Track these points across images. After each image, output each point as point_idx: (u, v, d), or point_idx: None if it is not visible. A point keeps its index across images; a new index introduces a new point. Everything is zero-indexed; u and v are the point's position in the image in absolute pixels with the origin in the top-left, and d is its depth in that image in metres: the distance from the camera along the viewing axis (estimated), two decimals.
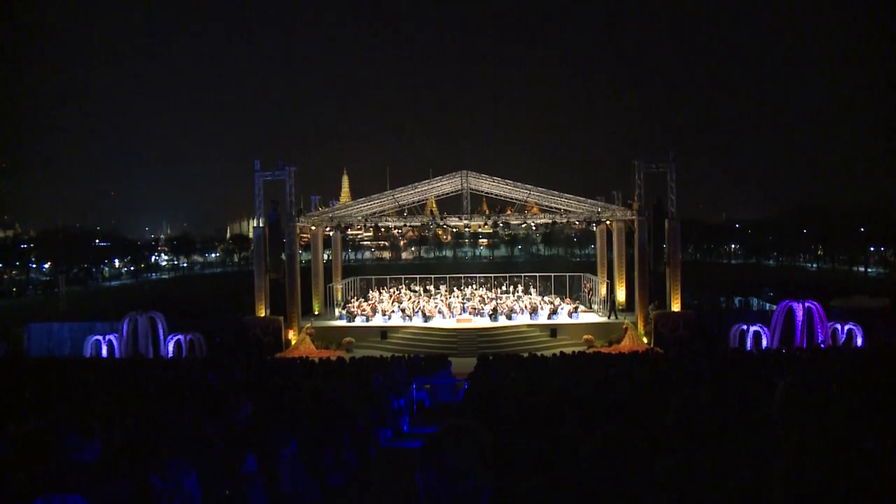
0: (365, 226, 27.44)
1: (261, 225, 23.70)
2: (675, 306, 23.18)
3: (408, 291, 29.15)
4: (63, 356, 20.68)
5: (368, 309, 25.68)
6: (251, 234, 42.60)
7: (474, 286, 29.80)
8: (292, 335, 23.29)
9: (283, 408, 5.96)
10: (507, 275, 31.68)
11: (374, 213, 26.86)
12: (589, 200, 25.90)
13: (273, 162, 24.09)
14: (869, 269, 71.42)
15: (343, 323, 24.97)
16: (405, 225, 28.18)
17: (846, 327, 19.86)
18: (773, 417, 2.49)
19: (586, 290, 28.34)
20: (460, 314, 25.42)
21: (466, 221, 27.03)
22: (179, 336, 21.28)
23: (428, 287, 29.87)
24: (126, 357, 19.63)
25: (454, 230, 37.11)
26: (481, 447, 1.53)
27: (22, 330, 23.69)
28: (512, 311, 24.91)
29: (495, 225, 28.07)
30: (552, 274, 30.57)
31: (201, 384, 9.42)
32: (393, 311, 25.82)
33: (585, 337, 22.93)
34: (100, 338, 21.30)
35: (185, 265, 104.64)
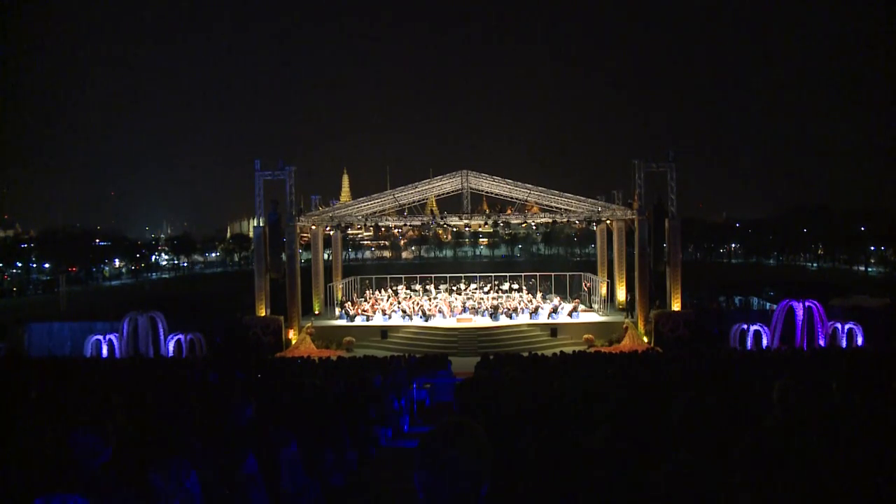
0: (365, 225, 27.44)
1: (261, 224, 23.70)
2: (676, 306, 23.18)
3: (407, 292, 29.13)
4: (63, 356, 20.69)
5: (369, 308, 25.69)
6: (251, 234, 42.59)
7: (474, 286, 29.81)
8: (292, 335, 23.30)
9: (284, 408, 5.97)
10: (508, 274, 31.67)
11: (375, 212, 26.84)
12: (589, 200, 25.89)
13: (273, 162, 24.11)
14: (869, 269, 71.42)
15: (343, 322, 24.97)
16: (405, 224, 28.16)
17: (846, 327, 19.87)
18: (772, 417, 2.50)
19: (585, 289, 28.36)
20: (461, 313, 25.43)
21: (466, 221, 27.02)
22: (180, 336, 21.30)
23: (428, 287, 29.88)
24: (126, 357, 19.65)
25: (454, 230, 37.11)
26: (477, 444, 1.54)
27: (22, 329, 23.71)
28: (513, 310, 24.91)
29: (495, 224, 28.04)
30: (552, 273, 30.57)
31: (202, 384, 9.43)
32: (393, 311, 25.83)
33: (586, 336, 22.93)
34: (100, 337, 21.32)
35: (185, 265, 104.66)
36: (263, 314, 23.28)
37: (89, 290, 70.49)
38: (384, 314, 25.43)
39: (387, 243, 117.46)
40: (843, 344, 19.25)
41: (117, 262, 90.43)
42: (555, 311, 25.07)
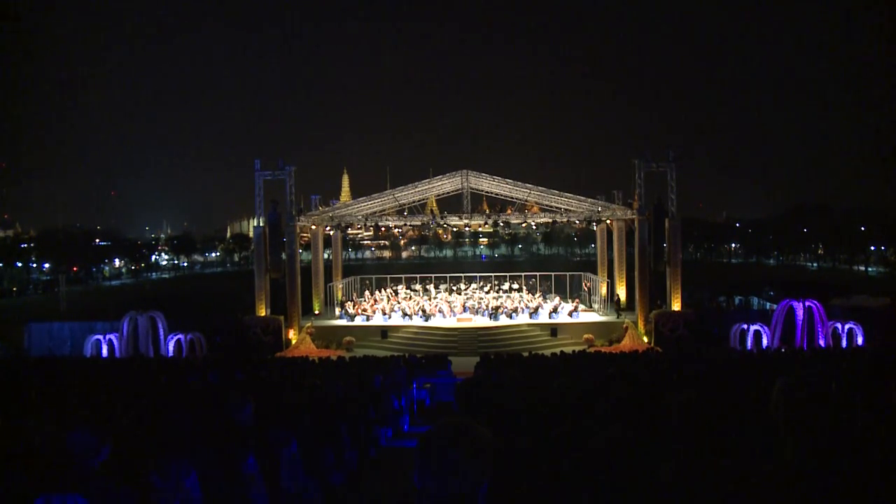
0: (365, 225, 27.44)
1: (261, 224, 23.70)
2: (676, 305, 23.18)
3: (407, 292, 29.13)
4: (63, 356, 20.70)
5: (369, 308, 25.69)
6: (251, 234, 42.60)
7: (474, 285, 29.81)
8: (293, 335, 23.30)
9: (284, 407, 5.96)
10: (508, 274, 31.67)
11: (375, 212, 26.85)
12: (589, 200, 25.89)
13: (273, 162, 24.11)
14: (869, 269, 71.42)
15: (343, 322, 24.97)
16: (405, 224, 28.15)
17: (846, 326, 19.86)
18: (771, 417, 2.49)
19: (585, 289, 28.37)
20: (461, 313, 25.42)
21: (466, 221, 27.02)
22: (180, 335, 21.29)
23: (428, 286, 29.88)
24: (126, 357, 19.64)
25: (454, 229, 37.08)
26: (477, 444, 1.54)
27: (22, 329, 23.70)
28: (513, 310, 24.91)
29: (495, 224, 28.04)
30: (552, 273, 30.56)
31: (202, 384, 9.43)
32: (393, 311, 25.82)
33: (586, 336, 22.93)
34: (100, 337, 21.31)
35: (185, 265, 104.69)
36: (263, 314, 23.29)
37: (89, 290, 70.46)
38: (384, 314, 25.42)
39: (387, 243, 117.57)
40: (844, 344, 19.25)
41: (117, 262, 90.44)
42: (555, 310, 25.07)
